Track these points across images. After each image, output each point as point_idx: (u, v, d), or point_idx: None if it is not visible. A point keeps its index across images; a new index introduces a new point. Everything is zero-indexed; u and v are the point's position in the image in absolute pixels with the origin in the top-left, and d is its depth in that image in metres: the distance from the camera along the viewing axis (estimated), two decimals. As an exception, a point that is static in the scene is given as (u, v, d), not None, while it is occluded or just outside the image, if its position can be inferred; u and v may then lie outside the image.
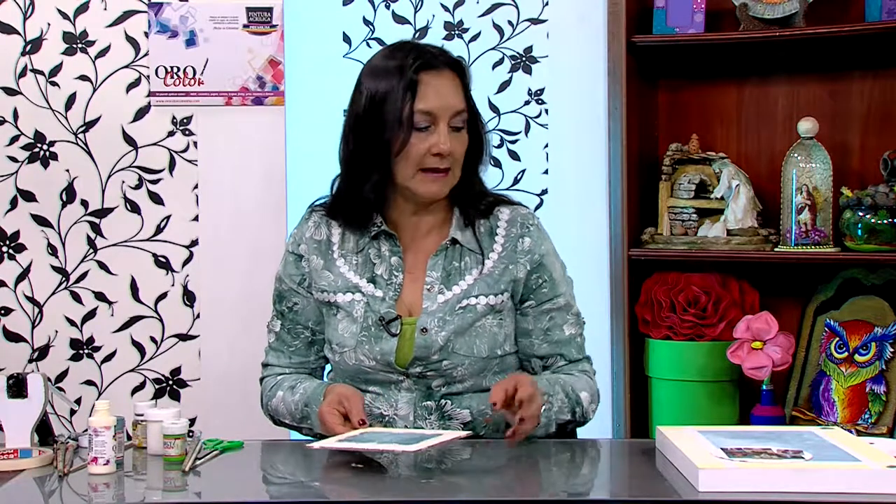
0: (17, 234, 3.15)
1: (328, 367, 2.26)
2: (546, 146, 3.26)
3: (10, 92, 3.14)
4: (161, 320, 3.18)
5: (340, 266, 2.15)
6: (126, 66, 3.15)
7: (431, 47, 2.14)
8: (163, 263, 3.18)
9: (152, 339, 3.18)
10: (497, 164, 3.21)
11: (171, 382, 3.18)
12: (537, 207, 3.23)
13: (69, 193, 3.16)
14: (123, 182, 3.17)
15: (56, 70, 3.14)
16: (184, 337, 3.19)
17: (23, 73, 3.14)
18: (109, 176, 3.16)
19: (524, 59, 3.26)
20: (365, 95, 2.09)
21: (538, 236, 2.17)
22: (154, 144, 3.17)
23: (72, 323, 3.17)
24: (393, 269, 2.13)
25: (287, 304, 2.20)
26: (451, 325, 2.07)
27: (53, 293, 3.16)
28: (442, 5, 3.29)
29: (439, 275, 2.12)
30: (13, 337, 3.17)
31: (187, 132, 3.16)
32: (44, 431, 2.01)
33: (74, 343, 3.17)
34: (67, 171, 3.15)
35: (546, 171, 3.26)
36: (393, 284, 2.12)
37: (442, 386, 2.09)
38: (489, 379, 2.10)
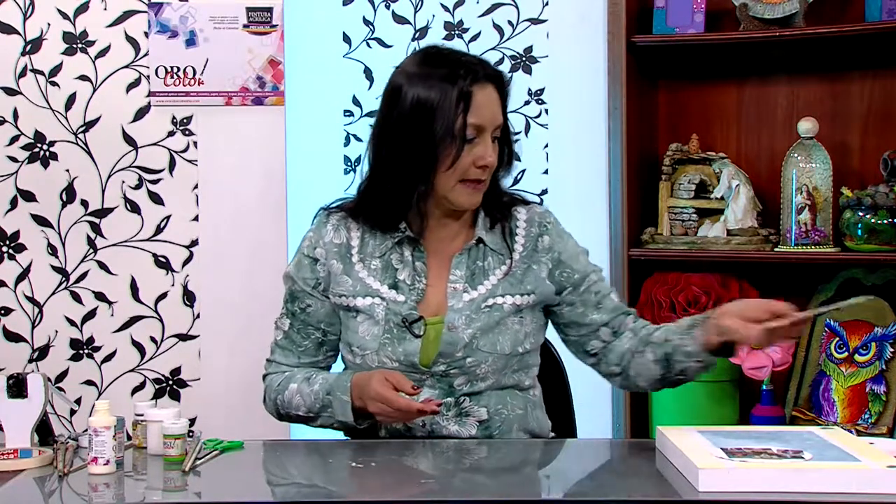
0: (17, 234, 3.15)
1: (332, 368, 2.25)
2: (546, 146, 3.26)
3: (10, 92, 3.13)
4: (161, 320, 3.18)
5: (359, 271, 2.13)
6: (126, 66, 3.15)
7: (473, 57, 2.13)
8: (163, 263, 3.18)
9: (152, 339, 3.18)
10: (497, 164, 3.21)
11: (171, 382, 3.18)
12: (537, 207, 3.23)
13: (69, 193, 3.16)
14: (123, 182, 3.16)
15: (56, 70, 3.14)
16: (184, 337, 3.19)
17: (23, 73, 3.14)
18: (109, 176, 3.16)
19: (524, 59, 3.26)
20: (409, 102, 2.05)
21: (556, 233, 2.18)
22: (154, 144, 3.17)
23: (72, 323, 3.17)
24: (416, 275, 2.12)
25: (300, 304, 2.18)
26: (476, 323, 2.07)
27: (53, 293, 3.16)
28: (442, 5, 3.29)
29: (463, 273, 2.11)
30: (13, 337, 3.16)
31: (187, 132, 3.16)
32: (44, 431, 2.01)
33: (74, 343, 3.17)
34: (67, 171, 3.15)
35: (546, 171, 3.26)
36: (416, 289, 2.11)
37: (464, 384, 2.08)
38: (508, 377, 2.10)
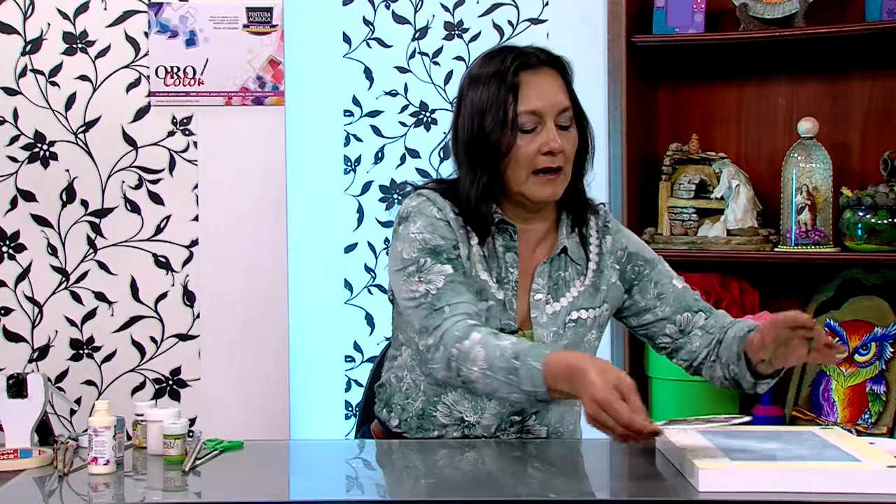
0: (17, 234, 3.15)
1: (396, 357, 2.14)
2: (546, 146, 3.25)
3: (10, 92, 3.13)
4: (161, 320, 3.18)
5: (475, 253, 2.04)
6: (126, 66, 3.15)
7: (529, 47, 2.07)
8: (163, 263, 3.18)
9: (152, 339, 3.18)
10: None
11: (171, 382, 3.18)
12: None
13: (69, 193, 3.16)
14: (123, 182, 3.16)
15: (56, 70, 3.14)
16: (184, 337, 3.19)
17: (23, 73, 3.14)
18: (109, 176, 3.16)
19: (524, 59, 3.25)
20: (467, 103, 2.03)
21: (616, 230, 2.14)
22: (154, 144, 3.17)
23: (72, 323, 3.17)
24: (508, 266, 2.05)
25: (450, 255, 1.99)
26: (564, 340, 2.03)
27: (53, 293, 3.16)
28: (442, 5, 3.29)
29: (545, 282, 2.06)
30: (13, 337, 3.16)
31: (187, 132, 3.16)
32: (44, 431, 2.01)
33: (74, 343, 3.17)
34: (67, 171, 3.15)
35: (546, 171, 3.26)
36: (510, 283, 2.04)
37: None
38: None
